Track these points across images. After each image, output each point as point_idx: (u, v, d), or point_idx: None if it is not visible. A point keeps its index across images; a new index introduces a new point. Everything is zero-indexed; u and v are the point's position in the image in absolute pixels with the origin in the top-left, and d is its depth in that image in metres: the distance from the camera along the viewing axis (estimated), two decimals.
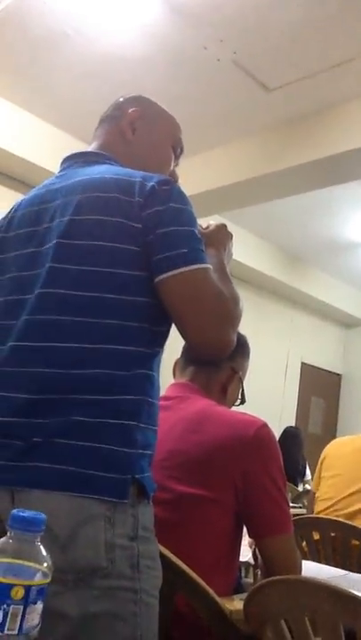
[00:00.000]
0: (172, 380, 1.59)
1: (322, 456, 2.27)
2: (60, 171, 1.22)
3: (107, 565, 0.92)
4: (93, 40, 3.41)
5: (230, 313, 1.05)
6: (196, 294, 1.02)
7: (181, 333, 1.04)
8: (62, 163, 1.24)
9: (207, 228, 1.27)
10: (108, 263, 1.02)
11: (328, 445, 2.29)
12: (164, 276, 1.01)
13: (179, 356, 1.60)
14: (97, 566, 0.91)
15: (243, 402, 1.57)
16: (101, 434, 0.96)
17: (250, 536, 1.42)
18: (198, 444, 1.35)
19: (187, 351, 1.56)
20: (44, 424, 0.96)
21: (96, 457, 0.95)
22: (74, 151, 1.24)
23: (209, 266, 1.05)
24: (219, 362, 1.50)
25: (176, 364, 1.60)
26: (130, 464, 0.98)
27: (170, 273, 1.01)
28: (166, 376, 1.37)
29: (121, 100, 1.32)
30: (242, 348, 1.54)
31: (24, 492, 0.94)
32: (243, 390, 1.57)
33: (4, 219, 1.21)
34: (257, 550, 1.45)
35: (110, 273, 1.02)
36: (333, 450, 2.23)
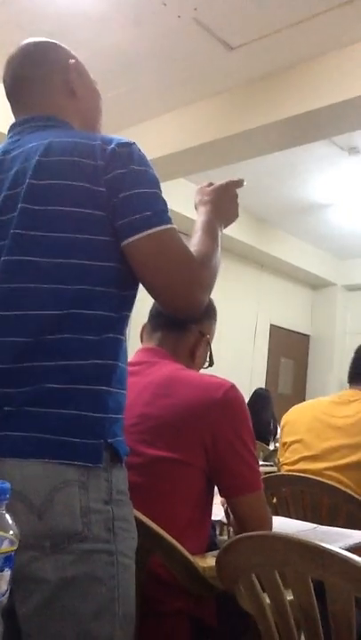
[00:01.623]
0: (139, 345, 1.58)
1: (282, 422, 2.29)
2: (11, 137, 1.17)
3: (82, 529, 0.93)
4: None
5: (198, 272, 1.06)
6: (161, 255, 1.03)
7: (151, 294, 1.06)
8: (11, 129, 1.19)
9: (209, 185, 1.29)
10: (73, 228, 1.01)
11: (289, 411, 2.31)
12: (130, 239, 1.02)
13: (145, 321, 1.59)
14: (73, 531, 0.92)
15: (211, 364, 1.58)
16: (73, 400, 0.96)
17: (221, 495, 1.45)
18: (167, 408, 1.35)
19: (154, 316, 1.55)
20: (15, 393, 0.96)
21: (69, 423, 0.95)
22: (23, 117, 1.18)
23: (173, 226, 1.05)
24: (186, 325, 1.51)
25: (143, 328, 1.60)
26: (102, 429, 0.98)
27: (135, 237, 1.01)
28: (133, 342, 1.36)
29: (36, 48, 1.21)
30: (209, 311, 1.54)
31: None
32: (211, 353, 1.57)
33: None
34: (228, 509, 1.48)
35: (76, 238, 1.01)
36: (293, 416, 2.25)
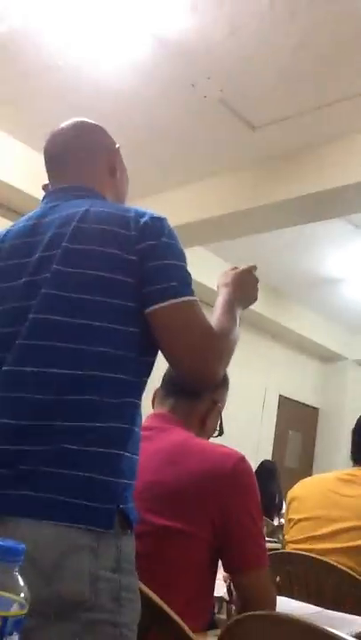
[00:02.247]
0: (151, 410, 1.59)
1: (289, 497, 2.23)
2: (48, 202, 1.23)
3: (90, 597, 0.91)
4: (84, 72, 3.47)
5: (217, 344, 1.08)
6: (182, 325, 1.06)
7: (169, 362, 1.08)
8: (48, 195, 1.26)
9: (234, 269, 1.36)
10: (103, 292, 1.04)
11: (295, 486, 2.25)
12: (155, 307, 1.05)
13: (158, 387, 1.60)
14: (80, 599, 0.90)
15: (220, 433, 1.57)
16: (89, 462, 0.96)
17: (225, 570, 1.41)
18: (176, 477, 1.34)
19: (167, 382, 1.56)
20: (32, 452, 0.96)
21: (83, 486, 0.95)
22: (62, 185, 1.25)
23: (196, 298, 1.09)
24: (200, 393, 1.51)
25: (155, 393, 1.60)
26: (115, 494, 0.97)
27: (160, 304, 1.05)
28: (145, 407, 1.37)
29: (88, 126, 1.32)
30: (223, 380, 1.55)
31: (7, 521, 0.93)
32: (221, 422, 1.57)
33: None
34: (231, 585, 1.43)
35: (104, 302, 1.04)
36: (300, 492, 2.19)
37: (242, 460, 1.35)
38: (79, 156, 1.28)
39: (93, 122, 1.33)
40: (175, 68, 3.34)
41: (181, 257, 1.11)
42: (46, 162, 1.31)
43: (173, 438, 1.43)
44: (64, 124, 1.31)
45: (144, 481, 1.30)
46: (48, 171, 1.31)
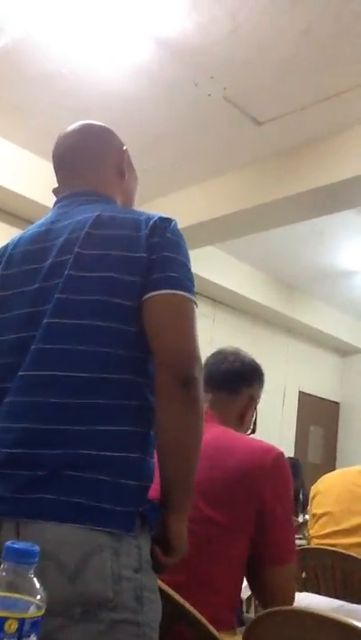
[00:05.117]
0: None
1: (312, 493, 2.24)
2: (59, 208, 1.23)
3: (113, 597, 0.92)
4: (87, 78, 3.49)
5: (194, 356, 1.04)
6: (174, 317, 1.04)
7: (156, 350, 1.04)
8: (59, 201, 1.26)
9: None
10: (114, 294, 1.05)
11: (318, 482, 2.27)
12: (147, 295, 1.05)
13: None
14: (104, 598, 0.91)
15: (254, 431, 1.59)
16: (109, 466, 0.97)
17: (255, 564, 1.40)
18: (217, 474, 1.35)
19: (205, 379, 1.57)
20: (51, 455, 0.96)
21: (104, 489, 0.96)
22: (72, 190, 1.26)
23: (192, 298, 1.07)
24: (238, 389, 1.54)
25: None
26: (135, 496, 0.99)
27: (151, 293, 1.05)
28: None
29: (97, 129, 1.32)
30: (260, 376, 1.59)
31: (30, 524, 0.93)
32: (256, 418, 1.58)
33: (0, 256, 1.22)
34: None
35: (117, 304, 1.05)
36: (323, 487, 2.20)
37: (282, 455, 1.38)
38: (87, 159, 1.28)
39: (101, 124, 1.33)
40: (177, 68, 3.34)
41: (185, 254, 1.11)
42: (55, 165, 1.31)
43: (211, 434, 1.44)
44: (71, 128, 1.31)
45: None
46: (57, 174, 1.31)
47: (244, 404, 1.55)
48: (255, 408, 1.58)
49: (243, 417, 1.54)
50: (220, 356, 1.60)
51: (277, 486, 1.34)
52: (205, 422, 1.47)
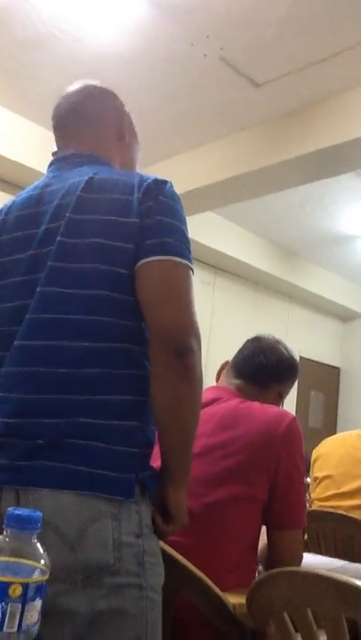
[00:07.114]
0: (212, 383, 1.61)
1: (313, 457, 2.27)
2: (52, 170, 1.21)
3: (114, 563, 0.93)
4: (80, 40, 3.40)
5: (191, 324, 1.01)
6: (170, 286, 1.01)
7: (145, 313, 1.02)
8: (53, 163, 1.23)
9: None
10: (107, 261, 1.03)
11: (319, 445, 2.29)
12: (140, 262, 1.02)
13: (228, 362, 1.61)
14: (105, 564, 0.92)
15: None
16: (105, 434, 0.97)
17: (267, 526, 1.42)
18: (232, 441, 1.37)
19: (239, 364, 1.58)
20: (49, 424, 0.96)
21: (103, 456, 0.96)
22: (68, 152, 1.22)
23: (188, 263, 1.04)
24: (269, 384, 1.55)
25: (223, 367, 1.61)
26: (134, 463, 0.99)
27: (143, 260, 1.01)
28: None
29: (98, 90, 1.27)
30: (294, 375, 1.60)
31: (30, 492, 0.94)
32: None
33: None
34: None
35: (110, 271, 1.02)
36: (323, 450, 2.23)
37: (294, 420, 1.40)
38: (85, 120, 1.24)
39: (101, 85, 1.29)
40: (172, 28, 3.25)
41: (180, 219, 1.07)
42: (54, 127, 1.28)
43: (226, 404, 1.46)
44: (71, 88, 1.28)
45: (201, 445, 1.32)
46: (55, 136, 1.28)
47: (272, 400, 1.56)
48: (282, 403, 1.59)
49: None
50: (258, 348, 1.59)
51: (292, 450, 1.37)
52: (225, 395, 1.48)
